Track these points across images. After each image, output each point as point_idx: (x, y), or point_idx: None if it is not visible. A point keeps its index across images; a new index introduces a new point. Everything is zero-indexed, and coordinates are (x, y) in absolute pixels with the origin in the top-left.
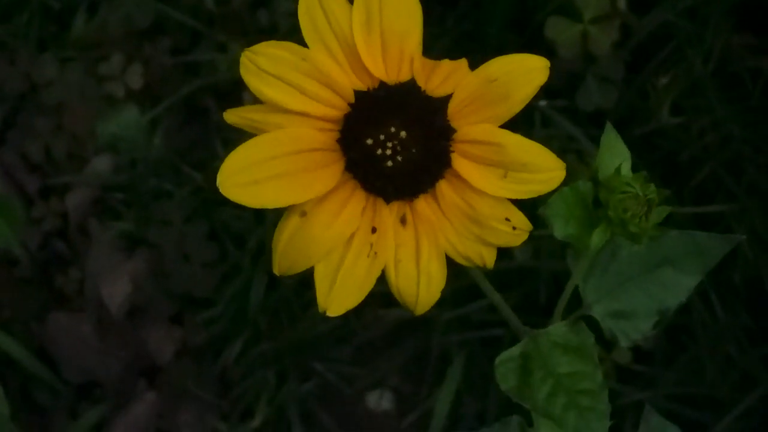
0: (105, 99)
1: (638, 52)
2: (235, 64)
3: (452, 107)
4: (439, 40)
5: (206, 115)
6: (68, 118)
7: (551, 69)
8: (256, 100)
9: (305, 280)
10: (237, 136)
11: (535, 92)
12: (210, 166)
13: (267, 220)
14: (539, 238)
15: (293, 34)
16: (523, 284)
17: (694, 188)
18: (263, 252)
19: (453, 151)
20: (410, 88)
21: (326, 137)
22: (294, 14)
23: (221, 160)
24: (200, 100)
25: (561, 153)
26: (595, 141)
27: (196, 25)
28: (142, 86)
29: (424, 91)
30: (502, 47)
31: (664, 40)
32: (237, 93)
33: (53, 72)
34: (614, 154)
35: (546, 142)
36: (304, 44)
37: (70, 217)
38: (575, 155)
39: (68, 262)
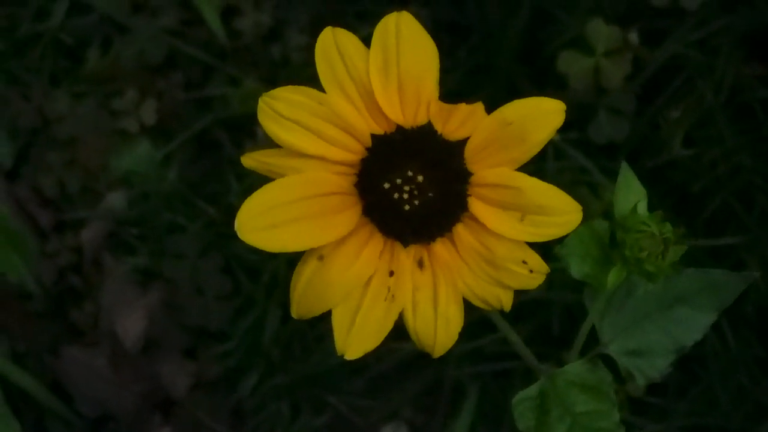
0: (118, 133)
1: (649, 84)
2: (248, 98)
3: (469, 151)
4: (450, 73)
5: (219, 148)
6: (82, 153)
7: (564, 102)
8: (268, 135)
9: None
10: (250, 171)
11: (552, 135)
12: (223, 199)
13: (280, 253)
14: (552, 271)
15: (305, 68)
16: (536, 316)
17: (705, 219)
18: (277, 285)
19: (470, 195)
20: (427, 131)
21: (344, 181)
22: (306, 48)
23: (234, 193)
24: (213, 134)
25: (573, 185)
26: (607, 173)
27: (208, 60)
28: (156, 121)
29: (441, 134)
30: (513, 80)
31: (675, 72)
32: (250, 127)
33: (66, 107)
34: (630, 193)
35: (558, 174)
36: (318, 82)
37: (84, 252)
38: (587, 187)
39: (82, 296)
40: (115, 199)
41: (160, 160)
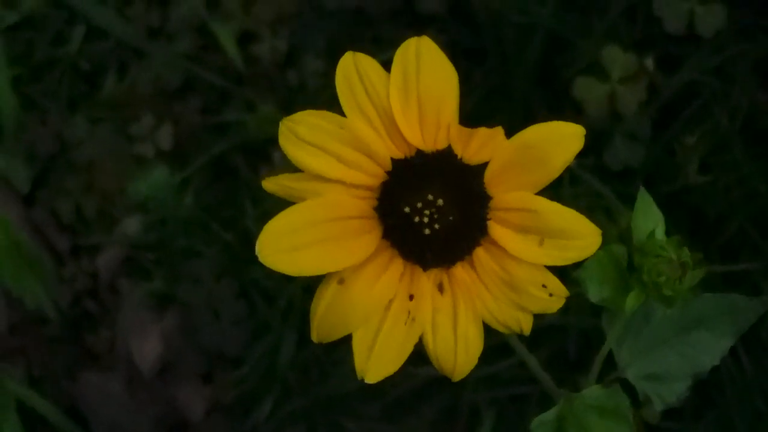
0: (135, 158)
1: (665, 110)
2: (265, 123)
3: (489, 175)
4: (467, 97)
5: (236, 173)
6: (99, 178)
7: None
8: (285, 160)
9: None
10: (267, 196)
11: (571, 160)
12: (239, 224)
13: (296, 278)
14: (568, 296)
15: (322, 93)
16: (552, 341)
17: (721, 245)
18: (292, 309)
19: (490, 219)
20: (447, 155)
21: (364, 204)
22: (323, 74)
23: (250, 218)
24: (230, 159)
25: (589, 211)
26: (623, 198)
27: (225, 85)
28: (172, 146)
29: (461, 158)
30: (529, 104)
31: (691, 98)
32: (266, 152)
33: (84, 132)
34: (648, 218)
35: (574, 199)
36: (335, 106)
37: (101, 276)
38: (603, 213)
39: (99, 320)
40: (132, 224)
41: (177, 184)
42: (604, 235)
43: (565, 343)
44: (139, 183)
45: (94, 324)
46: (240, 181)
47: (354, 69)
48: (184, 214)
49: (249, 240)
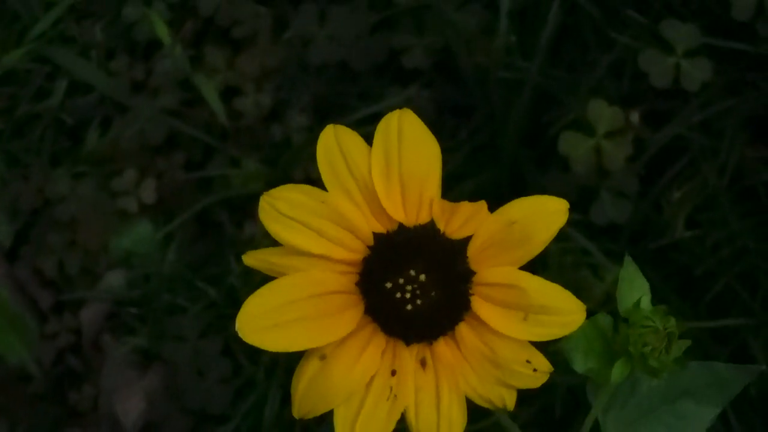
0: (118, 214)
1: (652, 165)
2: (249, 179)
3: (472, 250)
4: (453, 154)
5: (220, 229)
6: (81, 233)
7: (566, 184)
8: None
9: None
10: (251, 251)
11: (555, 234)
12: (224, 280)
13: None
14: (554, 353)
15: (307, 148)
16: (538, 398)
17: (709, 302)
18: (277, 366)
19: (473, 294)
20: (429, 230)
21: (346, 280)
22: (307, 128)
23: (234, 274)
24: (214, 215)
25: (575, 267)
26: (610, 255)
27: (209, 140)
28: (155, 201)
29: (444, 233)
30: (516, 161)
31: (678, 153)
32: (250, 207)
33: (66, 187)
34: (634, 288)
35: (560, 256)
36: (318, 172)
37: (84, 333)
38: (589, 269)
39: (82, 378)
40: (115, 279)
41: (160, 240)
42: (590, 293)
43: (552, 400)
44: (122, 238)
45: (77, 381)
46: (224, 237)
47: (335, 143)
48: (167, 270)
49: (233, 296)
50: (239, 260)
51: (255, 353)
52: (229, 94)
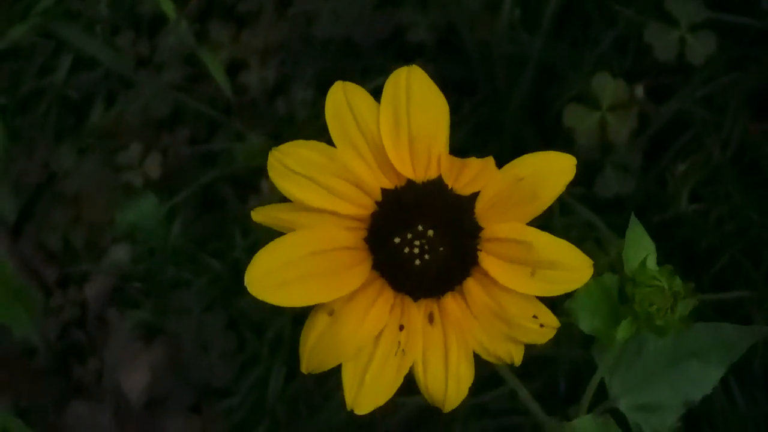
0: (123, 188)
1: (656, 139)
2: (253, 153)
3: (480, 206)
4: (456, 129)
5: (224, 204)
6: (86, 208)
7: None
8: (273, 190)
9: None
10: (256, 227)
11: (563, 190)
12: (228, 255)
13: (286, 310)
14: (559, 326)
15: (311, 122)
16: (543, 373)
17: (713, 275)
18: (282, 341)
19: (480, 250)
20: (437, 186)
21: (354, 236)
22: (312, 103)
23: (239, 249)
24: (218, 189)
25: (580, 241)
26: (614, 228)
27: (213, 115)
28: (160, 175)
29: (452, 189)
30: (519, 137)
31: (682, 128)
32: (255, 182)
33: (71, 162)
34: (639, 248)
35: (565, 230)
36: (324, 136)
37: (89, 307)
38: (594, 243)
39: (87, 351)
40: (120, 254)
41: (165, 214)
42: (594, 266)
43: (556, 375)
44: (127, 212)
45: (81, 354)
46: (229, 212)
47: (344, 99)
48: (172, 244)
49: (238, 271)
50: (244, 235)
51: (260, 328)
52: (233, 69)
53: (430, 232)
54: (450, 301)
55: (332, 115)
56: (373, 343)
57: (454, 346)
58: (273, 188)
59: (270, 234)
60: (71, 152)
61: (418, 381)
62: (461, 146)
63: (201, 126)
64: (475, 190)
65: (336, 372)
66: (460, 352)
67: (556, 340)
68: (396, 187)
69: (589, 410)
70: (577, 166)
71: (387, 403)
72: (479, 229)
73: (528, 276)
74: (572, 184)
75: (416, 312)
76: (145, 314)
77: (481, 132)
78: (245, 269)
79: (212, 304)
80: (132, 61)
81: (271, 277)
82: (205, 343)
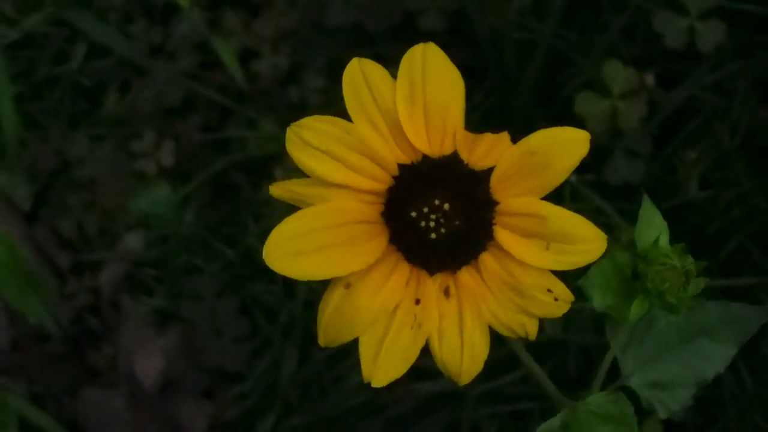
0: (136, 176)
1: (665, 126)
2: (266, 140)
3: (494, 180)
4: (467, 115)
5: (237, 191)
6: (100, 195)
7: None
8: (287, 177)
9: (336, 354)
10: (268, 213)
11: (577, 164)
12: (241, 241)
13: (298, 295)
14: (569, 311)
15: (323, 110)
16: (552, 357)
17: (721, 261)
18: (294, 326)
19: (495, 223)
20: (453, 161)
21: (370, 210)
22: (324, 90)
23: (251, 235)
24: (231, 177)
25: None
26: (624, 214)
27: (226, 102)
28: (173, 163)
29: (467, 163)
30: (530, 122)
31: (691, 114)
32: (267, 169)
33: (85, 149)
34: (652, 227)
35: None
36: (340, 117)
37: (103, 293)
38: (604, 229)
39: (100, 337)
40: (133, 241)
41: (178, 201)
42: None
43: (566, 359)
44: (140, 199)
45: (95, 341)
46: (241, 199)
47: (360, 74)
48: (185, 231)
49: (251, 257)
50: (256, 221)
51: (272, 313)
52: (246, 56)
53: (446, 206)
54: (465, 275)
55: (349, 90)
56: (388, 316)
57: (469, 318)
58: (286, 176)
59: (285, 215)
60: (85, 139)
61: (434, 354)
62: (472, 132)
63: (213, 113)
64: (490, 165)
65: (350, 355)
66: (475, 324)
67: (567, 325)
68: (412, 162)
69: (602, 388)
70: (587, 152)
71: (397, 389)
72: (494, 203)
73: (542, 249)
74: (582, 170)
75: (432, 285)
76: (158, 300)
77: (491, 118)
78: (258, 255)
79: (225, 289)
80: (145, 49)
81: (288, 250)
82: (218, 328)
